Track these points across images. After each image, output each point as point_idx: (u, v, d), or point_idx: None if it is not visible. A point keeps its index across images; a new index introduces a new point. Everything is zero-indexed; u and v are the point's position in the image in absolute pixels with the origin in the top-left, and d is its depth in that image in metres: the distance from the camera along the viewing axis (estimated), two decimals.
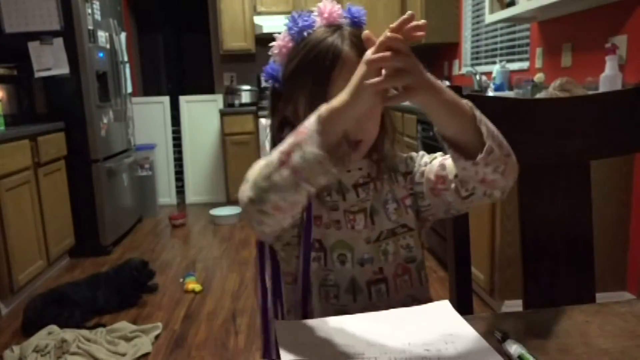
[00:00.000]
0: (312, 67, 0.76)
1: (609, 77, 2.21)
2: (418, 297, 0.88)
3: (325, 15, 0.80)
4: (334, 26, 0.79)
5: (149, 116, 4.79)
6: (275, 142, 0.84)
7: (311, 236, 0.83)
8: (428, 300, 0.89)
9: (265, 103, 4.41)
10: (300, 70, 0.77)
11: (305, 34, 0.79)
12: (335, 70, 0.74)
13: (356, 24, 0.81)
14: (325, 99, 0.70)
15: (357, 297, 0.84)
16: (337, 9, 0.81)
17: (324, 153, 0.62)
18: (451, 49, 4.48)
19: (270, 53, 0.83)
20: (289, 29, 0.80)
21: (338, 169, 0.64)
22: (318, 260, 0.84)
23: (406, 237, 0.87)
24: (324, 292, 0.85)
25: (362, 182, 0.85)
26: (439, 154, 0.87)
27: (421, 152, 0.90)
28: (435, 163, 0.84)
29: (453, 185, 0.78)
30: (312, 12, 0.81)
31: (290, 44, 0.81)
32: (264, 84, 5.06)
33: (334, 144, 0.65)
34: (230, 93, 4.88)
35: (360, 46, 0.73)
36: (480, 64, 3.96)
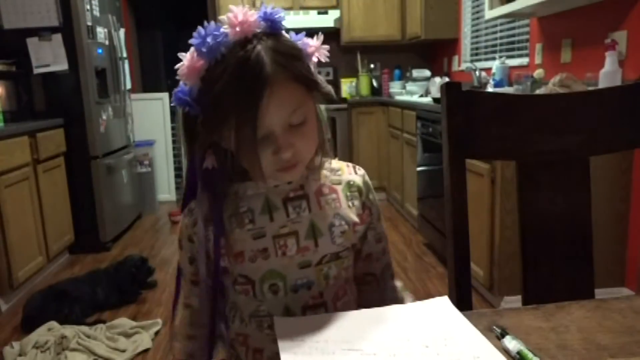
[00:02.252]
0: (236, 95, 0.66)
1: (608, 73, 2.20)
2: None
3: (238, 29, 0.69)
4: (249, 40, 0.68)
5: (148, 112, 4.78)
6: (193, 173, 0.77)
7: (219, 277, 0.79)
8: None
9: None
10: (224, 99, 0.68)
11: (217, 53, 0.69)
12: (264, 98, 0.66)
13: (274, 29, 0.71)
14: (254, 129, 0.67)
15: None
16: (250, 16, 0.69)
17: None
18: (451, 45, 4.47)
19: (177, 76, 0.73)
20: (197, 46, 0.69)
21: None
22: (246, 293, 0.78)
23: (349, 258, 0.83)
24: (256, 322, 0.80)
25: (292, 197, 0.78)
26: (383, 228, 0.89)
27: (373, 195, 0.86)
28: (383, 245, 0.89)
29: (367, 277, 0.89)
30: (220, 24, 0.71)
31: (200, 63, 0.70)
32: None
33: None
34: None
35: (284, 63, 0.68)
36: (479, 60, 3.96)
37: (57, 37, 3.24)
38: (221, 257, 0.77)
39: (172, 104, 0.76)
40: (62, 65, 3.28)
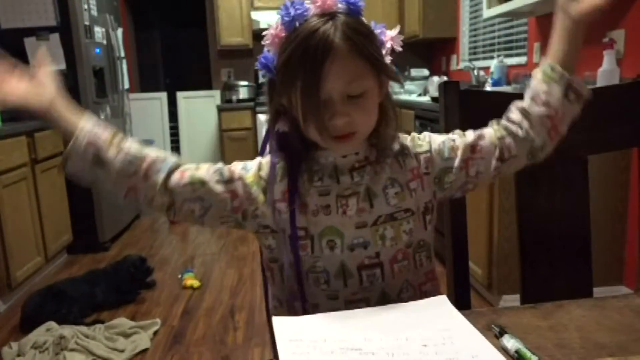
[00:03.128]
0: (302, 61, 0.73)
1: (606, 72, 2.20)
2: (412, 282, 0.86)
3: (319, 3, 0.76)
4: (327, 15, 0.76)
5: (146, 112, 4.78)
6: (269, 132, 0.84)
7: (296, 227, 0.81)
8: (421, 285, 0.88)
9: (263, 99, 4.39)
10: (290, 64, 0.75)
11: (297, 23, 0.76)
12: (326, 64, 0.72)
13: (353, 11, 0.78)
14: (316, 95, 0.73)
15: (347, 282, 0.82)
16: None
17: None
18: (449, 44, 4.47)
19: (263, 43, 0.81)
20: (282, 17, 0.77)
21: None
22: (304, 248, 0.82)
23: (409, 221, 0.83)
24: (313, 278, 0.83)
25: (357, 166, 0.83)
26: (452, 133, 0.87)
27: (426, 133, 0.88)
28: (468, 135, 0.85)
29: (496, 151, 0.83)
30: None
31: (283, 34, 0.78)
32: (261, 80, 5.05)
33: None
34: (228, 89, 4.87)
35: (353, 37, 0.74)
36: (478, 59, 3.96)
37: (55, 37, 3.24)
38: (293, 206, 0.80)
39: (256, 67, 0.83)
40: (60, 65, 3.27)
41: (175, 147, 4.97)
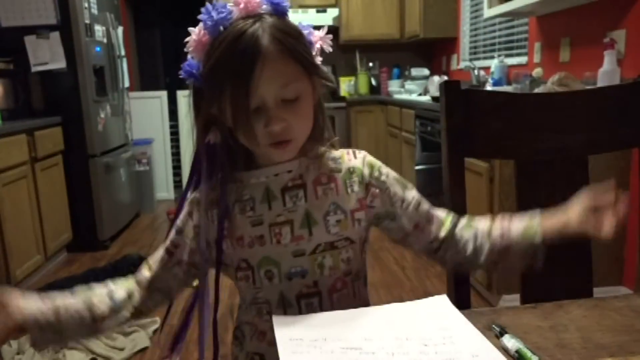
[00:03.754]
0: (230, 66, 0.70)
1: (607, 72, 2.20)
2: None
3: (242, 5, 0.72)
4: (253, 17, 0.72)
5: (146, 111, 4.77)
6: (199, 144, 0.79)
7: (221, 260, 0.80)
8: None
9: None
10: (217, 70, 0.71)
11: (221, 27, 0.72)
12: (257, 68, 0.69)
13: (278, 12, 0.74)
14: (246, 101, 0.70)
15: (287, 312, 0.79)
16: None
17: None
18: (449, 44, 4.47)
19: (185, 49, 0.76)
20: (204, 22, 0.73)
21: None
22: (246, 279, 0.80)
23: (348, 250, 0.80)
24: (255, 309, 0.82)
25: (290, 186, 0.79)
26: (414, 193, 0.84)
27: (385, 168, 0.84)
28: (424, 207, 0.83)
29: (434, 243, 0.83)
30: (228, 2, 0.75)
31: (206, 38, 0.74)
32: None
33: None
34: None
35: (282, 39, 0.71)
36: (478, 59, 3.96)
37: (55, 35, 3.24)
38: (223, 239, 0.79)
39: (180, 76, 0.78)
40: (60, 64, 3.27)
41: (175, 145, 4.96)
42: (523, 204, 1.03)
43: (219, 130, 0.78)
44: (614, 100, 1.05)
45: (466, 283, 1.01)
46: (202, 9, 0.73)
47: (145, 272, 0.83)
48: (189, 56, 0.77)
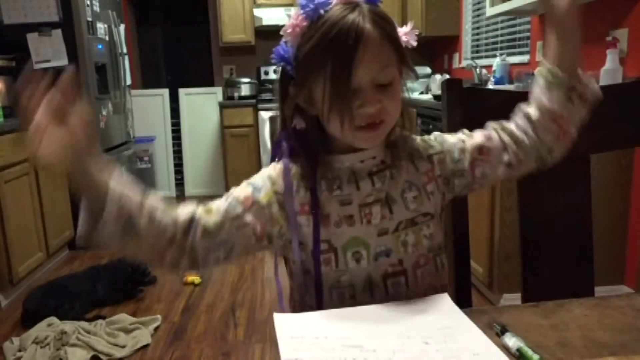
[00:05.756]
0: (333, 47, 0.71)
1: (609, 71, 2.20)
2: (435, 285, 0.83)
3: None
4: (351, 4, 0.73)
5: (148, 108, 4.78)
6: (283, 131, 0.81)
7: (319, 241, 0.77)
8: (444, 287, 0.85)
9: (265, 96, 4.38)
10: (318, 51, 0.72)
11: (321, 11, 0.73)
12: (359, 50, 0.70)
13: (372, 1, 0.75)
14: (347, 82, 0.71)
15: (374, 293, 0.79)
16: None
17: None
18: (451, 42, 4.46)
19: (282, 33, 0.77)
20: (303, 6, 0.74)
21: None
22: (327, 262, 0.78)
23: (429, 225, 0.81)
24: (336, 294, 0.79)
25: (376, 170, 0.80)
26: (460, 133, 0.85)
27: (436, 133, 0.86)
28: (476, 136, 0.84)
29: (504, 155, 0.82)
30: None
31: (304, 23, 0.74)
32: (263, 77, 5.05)
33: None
34: (230, 86, 4.87)
35: (381, 25, 0.73)
36: (480, 57, 3.95)
37: (57, 33, 3.24)
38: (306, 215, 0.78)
39: (272, 60, 0.78)
40: (62, 61, 3.27)
41: (177, 143, 4.97)
42: (524, 203, 1.03)
43: (302, 118, 0.79)
44: (616, 99, 1.05)
45: (467, 282, 1.02)
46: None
47: (209, 217, 0.75)
48: (282, 40, 0.78)
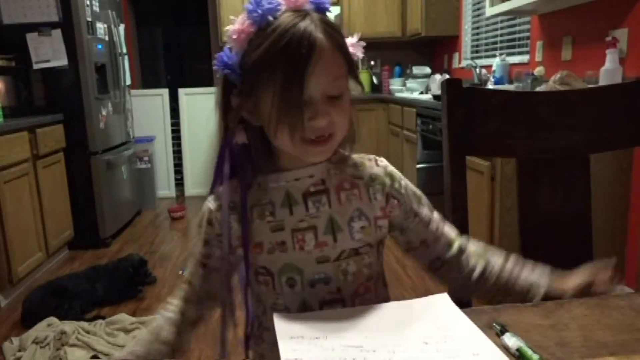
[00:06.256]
0: (284, 56, 0.67)
1: (609, 71, 2.20)
2: None
3: None
4: (300, 11, 0.70)
5: (148, 108, 4.77)
6: (225, 147, 0.77)
7: (249, 270, 0.79)
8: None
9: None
10: (267, 59, 0.68)
11: (270, 17, 0.70)
12: (312, 60, 0.67)
13: (321, 10, 0.73)
14: (299, 93, 0.68)
15: None
16: None
17: None
18: (451, 42, 4.46)
19: (225, 38, 0.73)
20: (250, 11, 0.70)
21: None
22: (266, 284, 0.79)
23: (370, 255, 0.80)
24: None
25: (312, 191, 0.77)
26: (426, 210, 0.84)
27: (402, 180, 0.83)
28: (433, 226, 0.84)
29: (437, 262, 0.85)
30: None
31: (252, 29, 0.71)
32: None
33: None
34: None
35: (333, 35, 0.70)
36: (480, 57, 3.95)
37: (57, 33, 3.24)
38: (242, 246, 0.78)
39: (214, 67, 0.74)
40: (62, 61, 3.27)
41: (177, 143, 4.97)
42: (524, 203, 1.03)
43: (245, 130, 0.76)
44: (615, 99, 1.05)
45: None
46: (250, 0, 0.71)
47: (188, 289, 0.84)
48: (226, 46, 0.74)
